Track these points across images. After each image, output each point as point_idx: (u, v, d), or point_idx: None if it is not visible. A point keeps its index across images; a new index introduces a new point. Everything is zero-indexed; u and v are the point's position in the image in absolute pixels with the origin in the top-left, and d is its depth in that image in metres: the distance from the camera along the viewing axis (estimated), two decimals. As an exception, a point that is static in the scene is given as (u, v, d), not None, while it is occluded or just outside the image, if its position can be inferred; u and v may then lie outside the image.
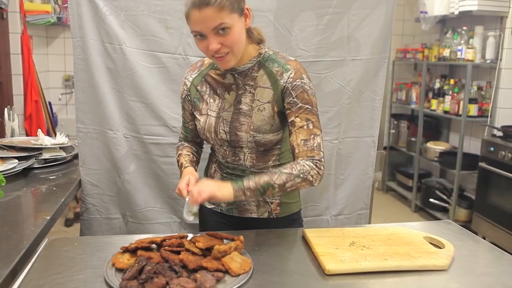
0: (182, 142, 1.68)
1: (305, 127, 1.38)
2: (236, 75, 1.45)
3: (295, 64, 1.42)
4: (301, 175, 1.34)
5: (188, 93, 1.56)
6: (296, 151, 1.38)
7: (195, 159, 1.61)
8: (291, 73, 1.39)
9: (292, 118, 1.39)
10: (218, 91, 1.49)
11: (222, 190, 1.31)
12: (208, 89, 1.51)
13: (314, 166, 1.36)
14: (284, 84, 1.39)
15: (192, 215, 1.36)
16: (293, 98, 1.39)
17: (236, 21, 1.30)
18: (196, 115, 1.54)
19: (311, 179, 1.36)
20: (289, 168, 1.34)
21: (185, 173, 1.48)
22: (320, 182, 1.39)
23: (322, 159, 1.39)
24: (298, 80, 1.39)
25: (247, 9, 1.35)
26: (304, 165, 1.35)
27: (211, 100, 1.50)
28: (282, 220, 1.58)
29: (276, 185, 1.32)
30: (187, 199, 1.34)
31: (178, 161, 1.60)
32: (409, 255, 1.27)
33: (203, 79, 1.53)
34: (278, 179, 1.32)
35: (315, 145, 1.38)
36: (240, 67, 1.43)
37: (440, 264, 1.23)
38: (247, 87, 1.44)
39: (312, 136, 1.38)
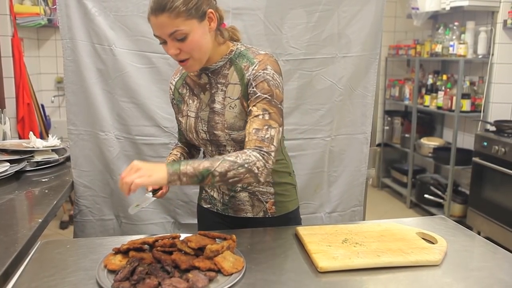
0: (177, 143, 1.70)
1: (260, 116, 1.32)
2: (209, 74, 1.45)
3: (263, 57, 1.39)
4: (246, 165, 1.25)
5: (173, 97, 1.57)
6: (246, 139, 1.32)
7: (182, 158, 1.61)
8: (255, 66, 1.37)
9: (250, 108, 1.36)
10: (195, 92, 1.49)
11: (154, 174, 1.21)
12: (187, 90, 1.52)
13: (261, 158, 1.27)
14: (248, 77, 1.37)
15: (137, 208, 1.40)
16: (253, 88, 1.35)
17: (195, 27, 1.29)
18: (179, 117, 1.54)
19: (256, 171, 1.26)
20: (234, 156, 1.26)
21: None
22: (266, 177, 1.31)
23: (272, 153, 1.30)
24: (260, 71, 1.35)
25: (211, 12, 1.32)
26: (250, 155, 1.27)
27: (190, 101, 1.50)
28: (278, 219, 1.56)
29: (217, 173, 1.23)
30: (145, 195, 1.39)
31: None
32: (402, 251, 1.27)
33: (183, 82, 1.53)
34: (219, 166, 1.24)
35: (266, 136, 1.30)
36: (212, 65, 1.43)
37: (433, 259, 1.24)
38: (219, 85, 1.43)
39: (266, 127, 1.31)
